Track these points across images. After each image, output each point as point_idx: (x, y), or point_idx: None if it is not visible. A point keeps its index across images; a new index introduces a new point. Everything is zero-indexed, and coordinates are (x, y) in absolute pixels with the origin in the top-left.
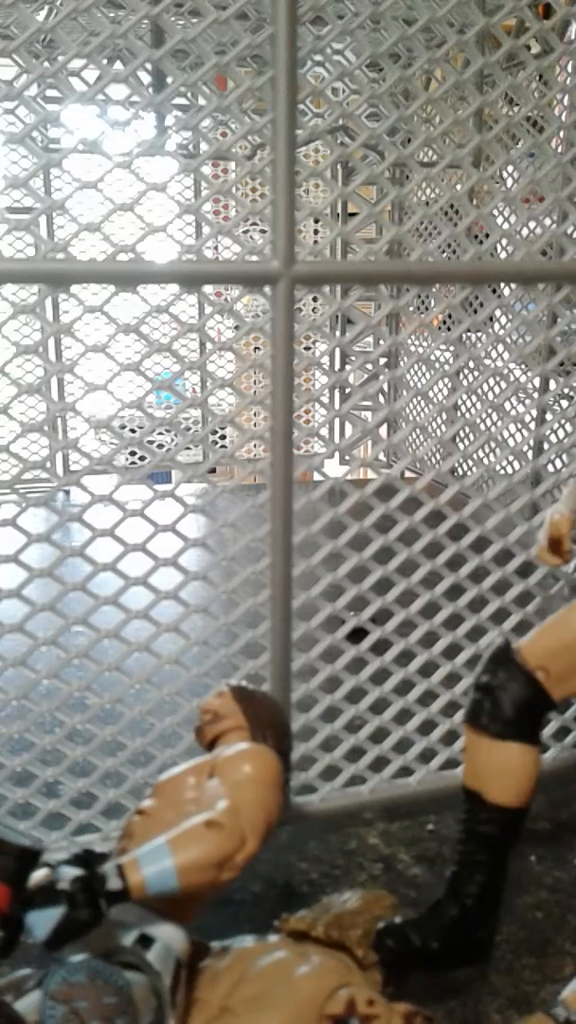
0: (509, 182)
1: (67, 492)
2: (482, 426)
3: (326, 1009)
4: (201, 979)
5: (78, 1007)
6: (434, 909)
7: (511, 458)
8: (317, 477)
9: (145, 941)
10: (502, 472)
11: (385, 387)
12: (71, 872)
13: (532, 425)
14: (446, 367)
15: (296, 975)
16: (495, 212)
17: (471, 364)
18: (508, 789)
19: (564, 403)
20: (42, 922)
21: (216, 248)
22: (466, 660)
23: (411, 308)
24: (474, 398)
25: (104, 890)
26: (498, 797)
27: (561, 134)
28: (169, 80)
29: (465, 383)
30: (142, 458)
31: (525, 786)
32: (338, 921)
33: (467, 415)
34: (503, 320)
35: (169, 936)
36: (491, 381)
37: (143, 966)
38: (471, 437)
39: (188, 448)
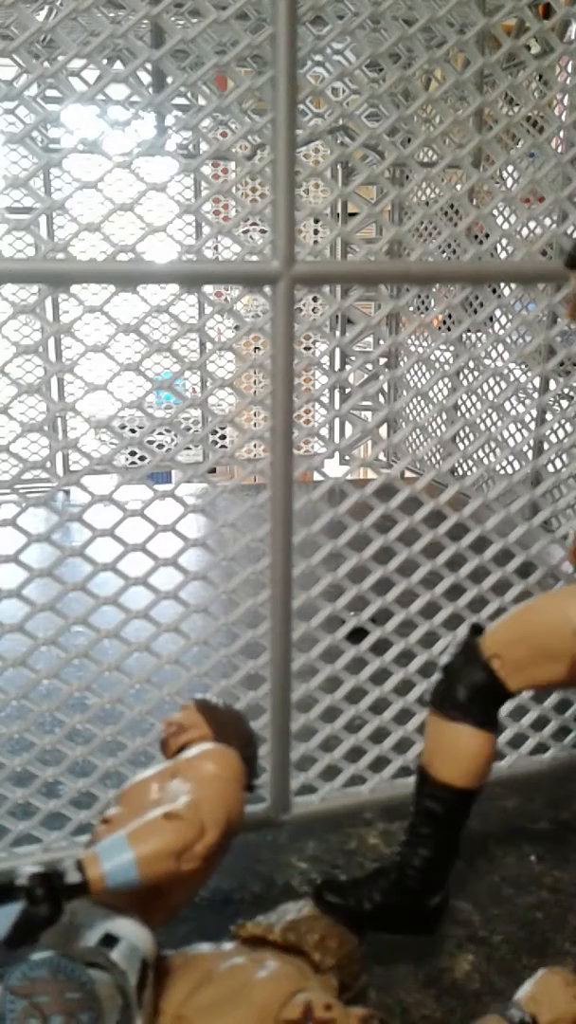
0: (509, 182)
1: (67, 492)
2: (482, 426)
3: (282, 1014)
4: (156, 987)
5: (39, 1001)
6: (376, 872)
7: (511, 458)
8: (317, 477)
9: (110, 941)
10: (502, 472)
11: (385, 387)
12: (30, 868)
13: (532, 425)
14: (446, 367)
15: (252, 981)
16: (495, 212)
17: (471, 364)
18: (453, 769)
19: (564, 403)
20: (0, 919)
21: (216, 248)
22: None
23: (411, 308)
24: (474, 398)
25: (63, 885)
26: (443, 775)
27: (561, 134)
28: (169, 80)
29: (465, 383)
30: (142, 458)
31: (471, 768)
32: (294, 926)
33: (467, 415)
34: (503, 320)
35: (135, 935)
36: (491, 381)
37: (108, 965)
38: (471, 437)
39: (188, 448)
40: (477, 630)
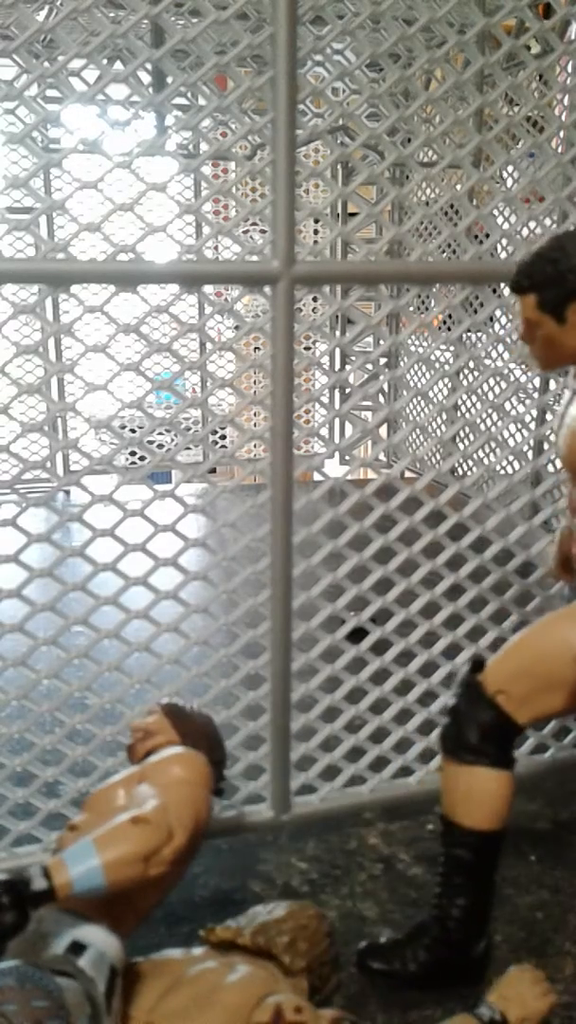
0: (509, 182)
1: (67, 492)
2: (482, 426)
3: (253, 1018)
4: (126, 994)
5: (6, 1010)
6: (416, 930)
7: (511, 458)
8: (317, 477)
9: (77, 948)
10: (502, 472)
11: (385, 387)
12: None
13: (532, 425)
14: (446, 367)
15: (221, 985)
16: (495, 212)
17: (471, 364)
18: (476, 813)
19: None
20: None
21: (216, 248)
22: (466, 660)
23: (411, 308)
24: (474, 398)
25: (29, 892)
26: (468, 821)
27: (561, 134)
28: (169, 80)
29: (465, 383)
30: (142, 458)
31: (494, 809)
32: (263, 928)
33: (467, 415)
34: (503, 320)
35: (102, 942)
36: (491, 381)
37: (75, 973)
38: (471, 437)
39: (188, 448)
40: (477, 667)
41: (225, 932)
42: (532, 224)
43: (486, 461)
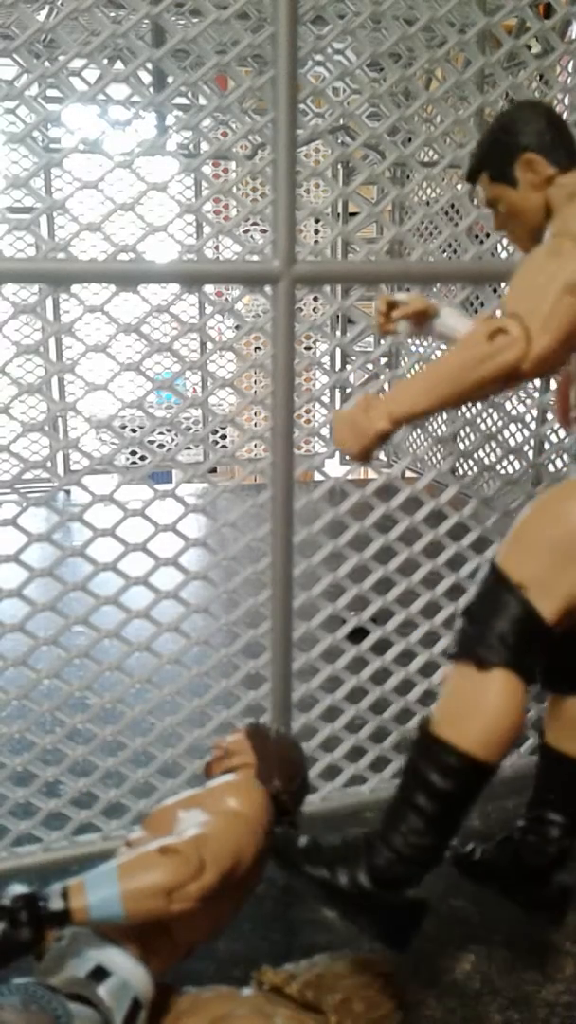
0: None
1: (68, 492)
2: (482, 425)
3: None
4: None
5: None
6: (350, 844)
7: (512, 457)
8: (318, 477)
9: (100, 974)
10: (502, 471)
11: (385, 387)
12: (17, 889)
13: (533, 425)
14: None
15: None
16: None
17: None
18: (473, 731)
19: None
20: None
21: (217, 248)
22: None
23: None
24: None
25: (46, 911)
26: (460, 740)
27: None
28: (170, 80)
29: None
30: (143, 458)
31: (499, 732)
32: (318, 981)
33: (467, 414)
34: None
35: (128, 972)
36: None
37: (93, 1000)
38: (472, 436)
39: (189, 448)
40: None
41: (276, 977)
42: None
43: (486, 460)
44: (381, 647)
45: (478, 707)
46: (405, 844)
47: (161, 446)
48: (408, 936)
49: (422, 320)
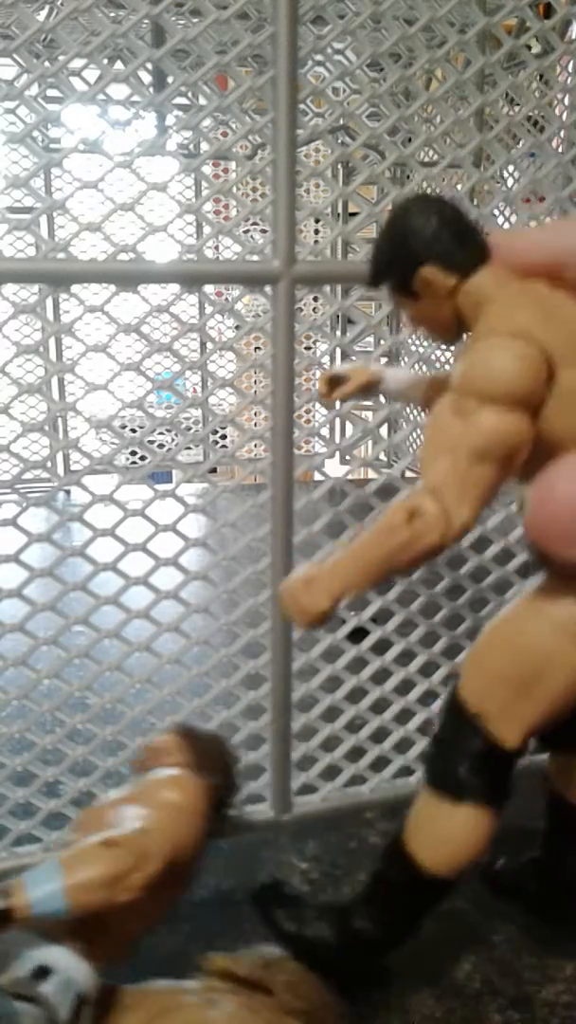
0: (510, 182)
1: (68, 492)
2: None
3: None
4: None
5: None
6: (328, 910)
7: None
8: (318, 477)
9: (43, 973)
10: None
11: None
12: None
13: None
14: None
15: (202, 1021)
16: (496, 212)
17: None
18: (440, 855)
19: None
20: None
21: (217, 248)
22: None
23: None
24: None
25: None
26: (427, 860)
27: (562, 134)
28: (170, 80)
29: None
30: (143, 458)
31: (463, 855)
32: (265, 964)
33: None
34: None
35: (71, 968)
36: None
37: (37, 998)
38: None
39: (189, 448)
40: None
41: (223, 962)
42: (533, 224)
43: None
44: (381, 647)
45: (448, 837)
46: (375, 922)
47: (161, 446)
48: (364, 990)
49: (367, 389)
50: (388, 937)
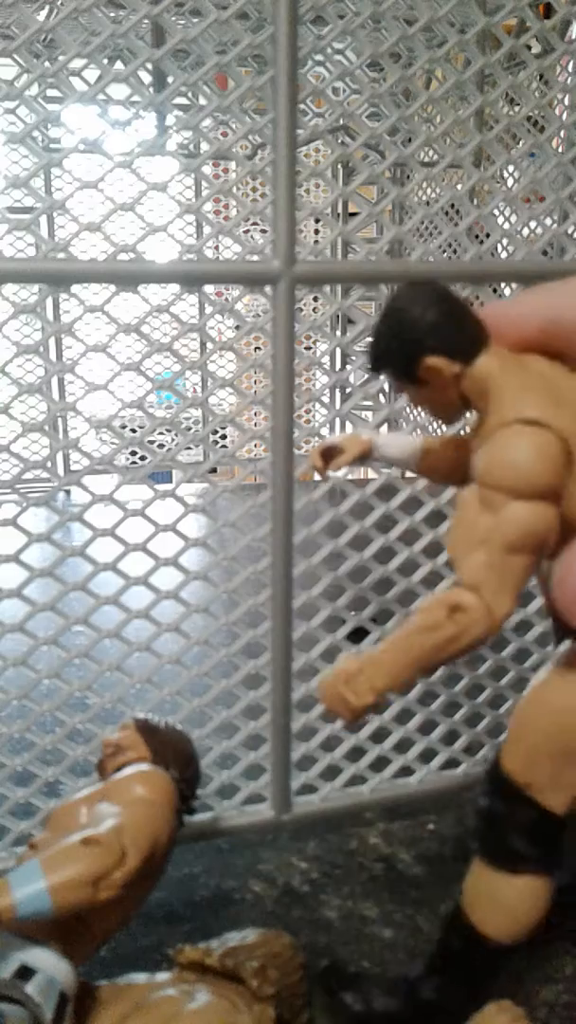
0: (510, 182)
1: (68, 492)
2: None
3: None
4: (83, 1020)
5: None
6: (394, 985)
7: None
8: (317, 477)
9: (25, 973)
10: None
11: (385, 387)
12: None
13: None
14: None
15: (179, 1013)
16: (496, 212)
17: None
18: (503, 923)
19: None
20: None
21: (217, 248)
22: (466, 659)
23: None
24: None
25: None
26: (490, 929)
27: (562, 134)
28: (170, 80)
29: None
30: (143, 458)
31: (526, 922)
32: (233, 952)
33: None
34: None
35: (52, 967)
36: None
37: (21, 999)
38: None
39: (189, 448)
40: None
41: (194, 952)
42: (532, 224)
43: None
44: None
45: (510, 908)
46: (442, 991)
47: (161, 446)
48: None
49: (363, 459)
50: (456, 1006)
